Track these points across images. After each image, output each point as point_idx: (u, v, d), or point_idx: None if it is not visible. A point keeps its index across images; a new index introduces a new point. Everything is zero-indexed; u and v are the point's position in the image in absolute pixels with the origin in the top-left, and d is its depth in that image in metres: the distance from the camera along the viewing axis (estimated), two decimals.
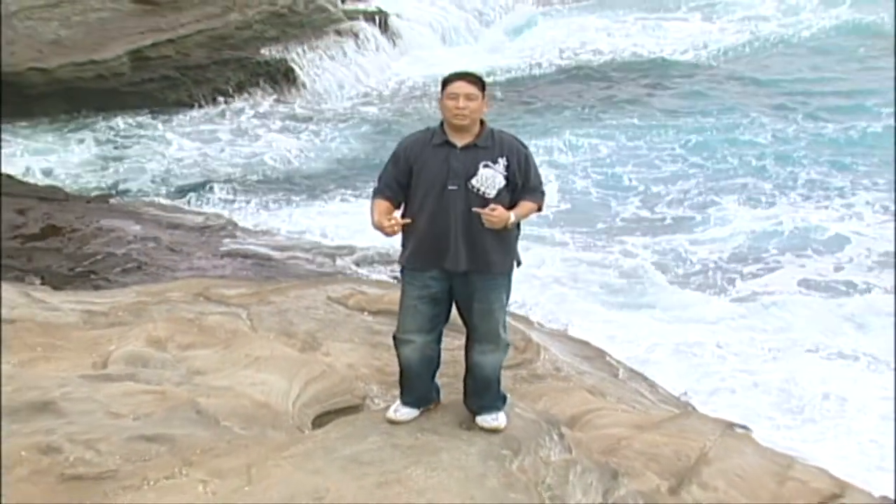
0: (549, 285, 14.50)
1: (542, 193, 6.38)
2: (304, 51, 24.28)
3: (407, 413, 6.52)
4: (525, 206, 6.23)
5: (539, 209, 6.34)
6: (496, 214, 6.04)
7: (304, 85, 23.67)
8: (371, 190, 6.44)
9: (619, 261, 15.50)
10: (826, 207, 17.85)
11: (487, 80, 7.47)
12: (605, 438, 7.67)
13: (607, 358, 10.41)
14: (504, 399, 6.58)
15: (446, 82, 6.21)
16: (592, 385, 9.11)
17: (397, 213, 6.29)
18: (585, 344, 10.77)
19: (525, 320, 10.86)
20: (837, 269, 15.62)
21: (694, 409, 9.79)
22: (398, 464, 6.11)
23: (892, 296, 14.42)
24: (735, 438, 8.08)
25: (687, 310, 14.12)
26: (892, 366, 12.47)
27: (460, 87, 6.14)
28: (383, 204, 6.27)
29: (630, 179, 19.08)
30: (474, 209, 6.05)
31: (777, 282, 15.21)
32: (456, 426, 6.46)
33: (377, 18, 26.49)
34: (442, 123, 6.24)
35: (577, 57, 26.79)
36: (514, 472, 6.18)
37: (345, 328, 9.00)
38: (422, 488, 5.92)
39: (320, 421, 7.10)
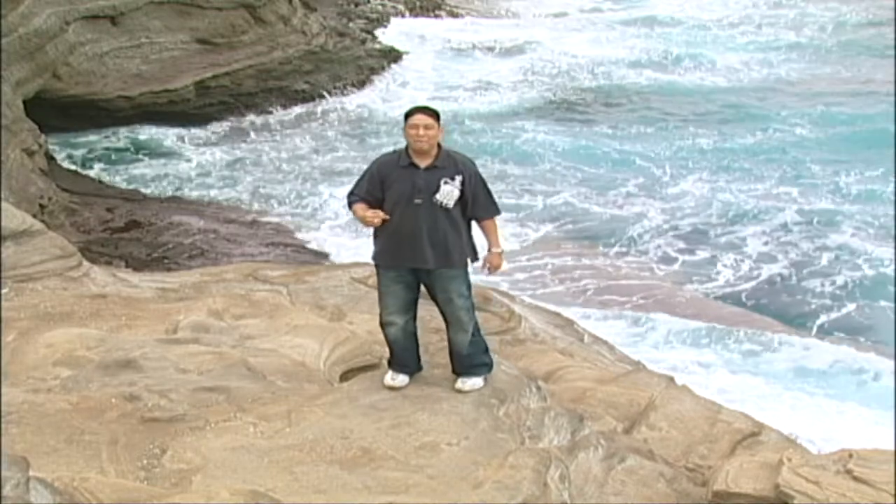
0: None
1: (496, 206, 6.17)
2: (331, 80, 24.18)
3: (402, 380, 6.39)
4: (491, 228, 6.16)
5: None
6: (495, 264, 6.17)
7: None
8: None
9: None
10: None
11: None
12: (573, 390, 7.65)
13: (575, 326, 10.38)
14: (484, 365, 6.40)
15: (408, 115, 6.05)
16: (563, 347, 9.08)
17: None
18: (557, 315, 10.74)
19: (509, 296, 10.82)
20: None
21: (644, 366, 9.77)
22: (407, 410, 6.10)
23: None
24: (676, 389, 8.05)
25: None
26: None
27: (420, 119, 5.97)
28: (363, 204, 6.08)
29: None
30: (483, 269, 6.20)
31: None
32: (454, 381, 6.42)
33: (390, 55, 26.49)
34: (407, 147, 6.06)
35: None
36: (501, 416, 6.17)
37: (365, 302, 8.95)
38: (426, 429, 5.91)
39: (345, 376, 7.06)
